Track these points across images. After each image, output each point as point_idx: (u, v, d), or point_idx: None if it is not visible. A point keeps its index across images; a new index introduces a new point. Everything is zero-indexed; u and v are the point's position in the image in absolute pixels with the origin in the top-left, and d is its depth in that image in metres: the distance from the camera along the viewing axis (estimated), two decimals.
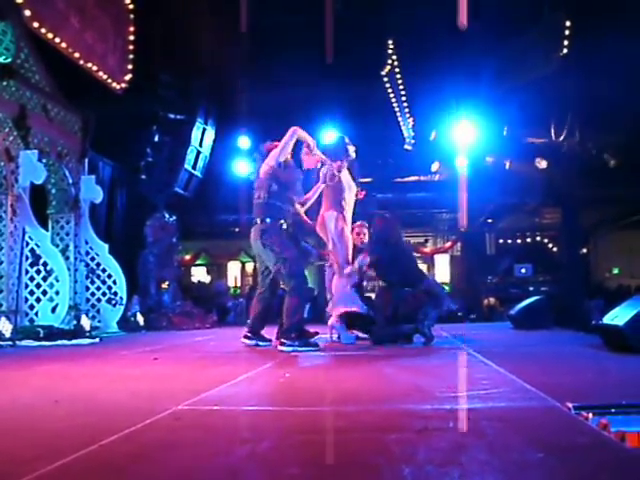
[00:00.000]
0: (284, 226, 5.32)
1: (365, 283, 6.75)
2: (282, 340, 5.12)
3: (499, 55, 12.97)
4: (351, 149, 6.13)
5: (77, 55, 9.13)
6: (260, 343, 5.58)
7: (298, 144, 5.63)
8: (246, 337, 5.64)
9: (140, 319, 9.95)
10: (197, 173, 14.12)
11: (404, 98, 14.81)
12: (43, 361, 4.88)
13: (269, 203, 5.32)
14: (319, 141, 6.19)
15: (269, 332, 5.71)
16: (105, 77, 10.08)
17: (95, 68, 9.72)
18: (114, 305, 9.38)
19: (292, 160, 5.60)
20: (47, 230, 8.65)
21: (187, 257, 17.13)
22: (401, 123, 15.23)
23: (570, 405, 2.32)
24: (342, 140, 6.17)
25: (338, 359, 4.71)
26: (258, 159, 5.70)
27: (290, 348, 4.99)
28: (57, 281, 7.86)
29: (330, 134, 11.93)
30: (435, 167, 15.37)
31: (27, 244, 7.66)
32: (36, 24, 8.07)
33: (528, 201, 15.28)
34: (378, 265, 5.84)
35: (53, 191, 9.13)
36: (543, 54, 12.55)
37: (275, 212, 5.31)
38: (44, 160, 8.28)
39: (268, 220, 5.26)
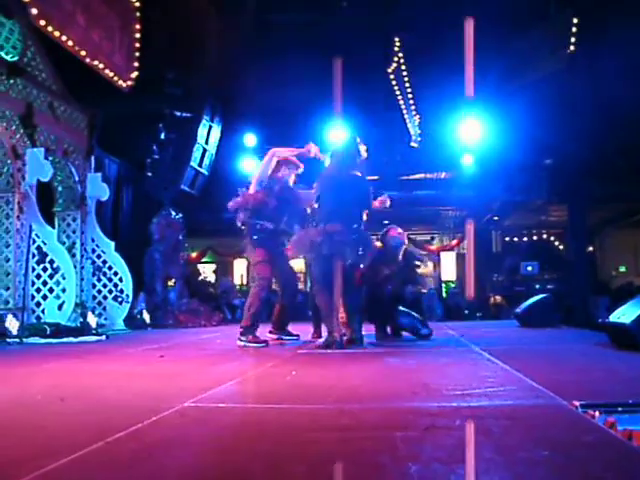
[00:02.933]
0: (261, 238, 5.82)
1: None
2: (240, 337, 5.62)
3: (506, 52, 12.90)
4: (362, 149, 6.15)
5: (83, 53, 9.14)
6: (284, 337, 6.07)
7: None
8: (270, 332, 6.11)
9: (146, 317, 9.96)
10: (203, 171, 14.11)
11: (410, 95, 14.77)
12: (49, 358, 4.90)
13: (249, 223, 5.84)
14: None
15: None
16: (111, 75, 10.09)
17: (101, 66, 9.73)
18: (120, 303, 9.40)
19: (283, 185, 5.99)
20: (53, 228, 8.66)
21: (193, 255, 17.15)
22: (407, 120, 15.19)
23: (577, 403, 2.31)
24: (354, 140, 6.19)
25: (345, 357, 4.71)
26: None
27: (243, 343, 5.54)
28: (63, 278, 7.89)
29: (337, 132, 11.96)
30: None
31: (34, 242, 7.68)
32: (43, 22, 8.08)
33: (534, 199, 15.21)
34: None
35: (59, 189, 9.16)
36: (550, 51, 12.47)
37: (255, 230, 5.81)
38: (50, 158, 8.30)
39: (255, 237, 5.80)
